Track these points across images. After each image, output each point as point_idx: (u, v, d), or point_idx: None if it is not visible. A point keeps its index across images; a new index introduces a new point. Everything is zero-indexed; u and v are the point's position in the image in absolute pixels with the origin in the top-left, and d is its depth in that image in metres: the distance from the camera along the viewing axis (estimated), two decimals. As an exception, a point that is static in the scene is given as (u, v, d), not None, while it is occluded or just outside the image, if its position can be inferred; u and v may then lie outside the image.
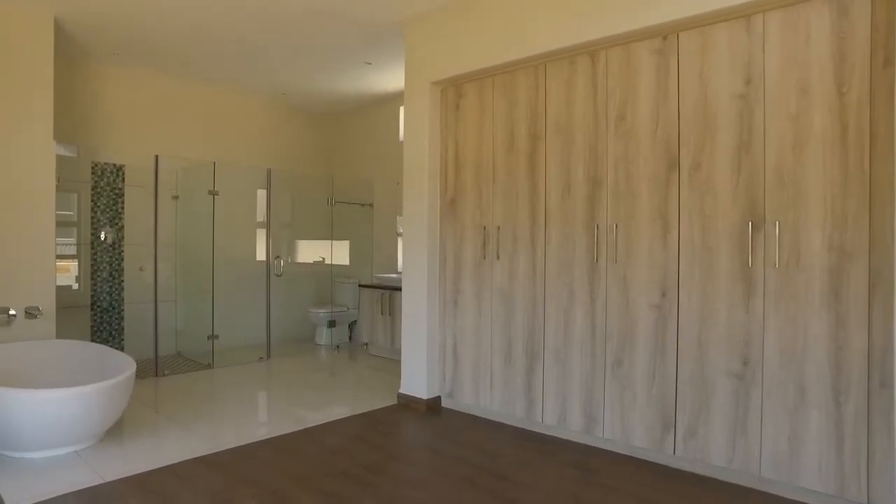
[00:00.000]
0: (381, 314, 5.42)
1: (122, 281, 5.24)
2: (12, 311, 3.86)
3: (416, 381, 3.93)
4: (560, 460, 3.00)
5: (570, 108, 3.26)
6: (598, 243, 3.13)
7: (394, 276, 5.60)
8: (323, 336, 6.10)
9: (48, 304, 4.00)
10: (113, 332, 5.20)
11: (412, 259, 3.98)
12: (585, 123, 3.19)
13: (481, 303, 3.69)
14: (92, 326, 5.09)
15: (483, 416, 3.73)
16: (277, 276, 5.64)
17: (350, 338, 6.38)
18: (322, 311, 6.02)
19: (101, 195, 5.10)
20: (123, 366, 3.32)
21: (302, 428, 3.44)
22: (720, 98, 2.70)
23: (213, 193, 5.12)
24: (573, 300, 3.24)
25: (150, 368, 4.79)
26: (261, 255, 5.98)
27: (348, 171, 6.58)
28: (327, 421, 3.59)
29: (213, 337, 5.15)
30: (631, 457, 3.04)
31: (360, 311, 6.31)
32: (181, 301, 5.58)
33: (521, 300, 3.48)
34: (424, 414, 3.80)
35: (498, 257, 3.60)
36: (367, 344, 5.80)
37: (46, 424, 2.87)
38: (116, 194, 5.19)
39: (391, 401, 4.05)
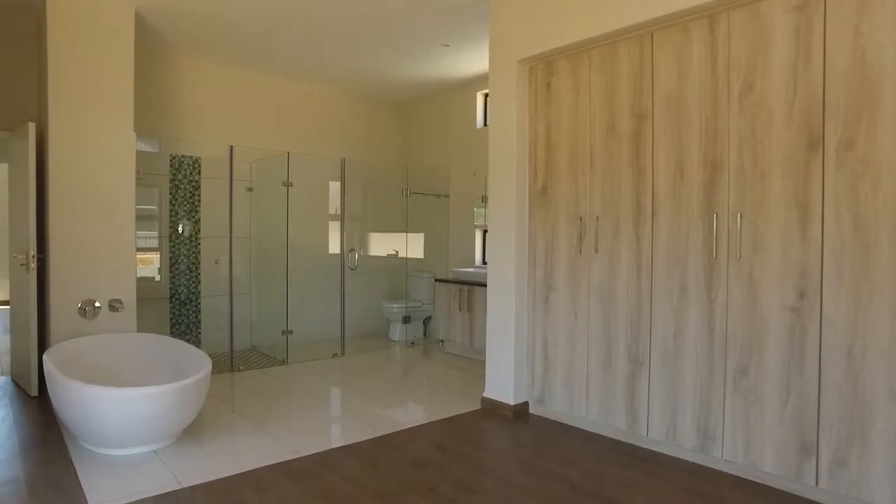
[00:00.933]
0: (459, 310, 5.15)
1: (199, 274, 5.22)
2: (97, 304, 3.85)
3: (503, 384, 3.64)
4: (673, 483, 2.63)
5: (683, 82, 2.85)
6: (718, 235, 2.72)
7: (471, 270, 5.33)
8: (397, 332, 5.91)
9: (129, 297, 3.98)
10: (190, 325, 5.19)
11: (498, 253, 3.68)
12: (701, 98, 2.78)
13: (577, 301, 3.34)
14: (171, 319, 5.09)
15: (576, 425, 3.39)
16: (352, 269, 5.48)
17: (424, 334, 6.15)
18: (396, 306, 5.83)
19: (178, 188, 5.08)
20: (199, 363, 3.20)
21: (382, 434, 3.22)
22: (885, 57, 2.23)
23: (287, 185, 4.99)
24: (686, 300, 2.85)
25: (226, 363, 4.72)
26: (334, 248, 5.85)
27: (423, 161, 6.33)
28: (409, 426, 3.36)
29: (287, 332, 5.04)
30: (759, 483, 2.62)
31: (434, 307, 6.07)
32: (255, 294, 5.52)
33: (624, 299, 3.12)
34: (512, 421, 3.50)
35: (597, 251, 3.24)
36: (442, 341, 5.56)
37: (128, 422, 2.77)
38: (193, 187, 5.16)
39: (474, 405, 3.78)
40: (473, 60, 5.03)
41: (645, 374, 3.02)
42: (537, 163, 3.56)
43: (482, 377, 4.42)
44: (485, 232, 5.74)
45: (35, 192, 3.79)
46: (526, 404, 3.64)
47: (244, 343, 5.37)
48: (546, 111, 3.51)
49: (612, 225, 3.17)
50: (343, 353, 5.28)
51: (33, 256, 3.78)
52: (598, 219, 3.24)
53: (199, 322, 5.23)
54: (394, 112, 6.61)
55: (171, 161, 5.03)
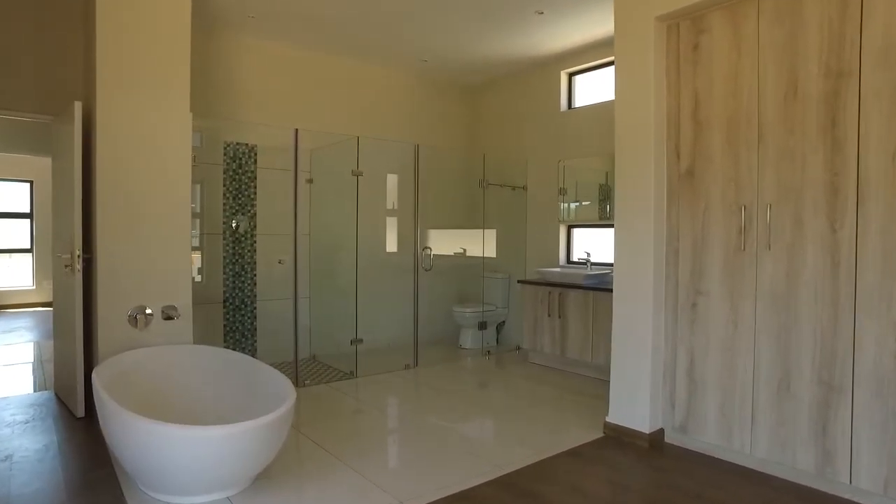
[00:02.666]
0: (549, 316, 4.52)
1: (255, 275, 4.69)
2: (149, 311, 3.33)
3: (635, 408, 3.01)
4: (920, 555, 1.97)
5: (908, 26, 2.19)
6: (966, 226, 2.06)
7: (558, 270, 4.70)
8: (469, 339, 5.30)
9: (185, 303, 3.45)
10: (245, 332, 4.66)
11: (629, 249, 3.04)
12: (941, 45, 2.11)
13: (737, 309, 2.69)
14: (224, 325, 4.56)
15: (734, 461, 2.75)
16: (426, 270, 4.88)
17: (497, 341, 5.54)
18: (469, 310, 5.22)
19: (232, 179, 4.55)
20: (279, 389, 2.63)
21: (501, 474, 2.60)
22: None
23: (357, 174, 4.41)
24: (913, 310, 2.19)
25: (290, 376, 4.14)
26: (399, 245, 5.27)
27: (496, 149, 5.68)
28: (529, 462, 2.73)
29: (356, 342, 4.46)
30: None
31: (509, 311, 5.46)
32: (315, 297, 4.96)
33: (810, 307, 2.46)
34: (649, 453, 2.87)
35: (768, 247, 2.59)
36: (519, 348, 4.94)
37: (199, 466, 2.22)
38: (248, 178, 4.63)
39: (594, 431, 3.15)
40: (566, 32, 4.39)
41: (845, 403, 2.36)
42: (680, 141, 2.92)
43: (584, 394, 3.84)
44: (570, 227, 5.10)
45: (81, 182, 3.27)
46: (661, 432, 3.01)
47: (303, 352, 4.81)
48: (692, 78, 2.86)
49: (792, 215, 2.52)
50: (416, 363, 4.69)
51: (79, 256, 3.26)
52: (769, 207, 2.58)
53: (255, 329, 4.69)
54: (464, 96, 5.98)
55: (224, 149, 4.50)
